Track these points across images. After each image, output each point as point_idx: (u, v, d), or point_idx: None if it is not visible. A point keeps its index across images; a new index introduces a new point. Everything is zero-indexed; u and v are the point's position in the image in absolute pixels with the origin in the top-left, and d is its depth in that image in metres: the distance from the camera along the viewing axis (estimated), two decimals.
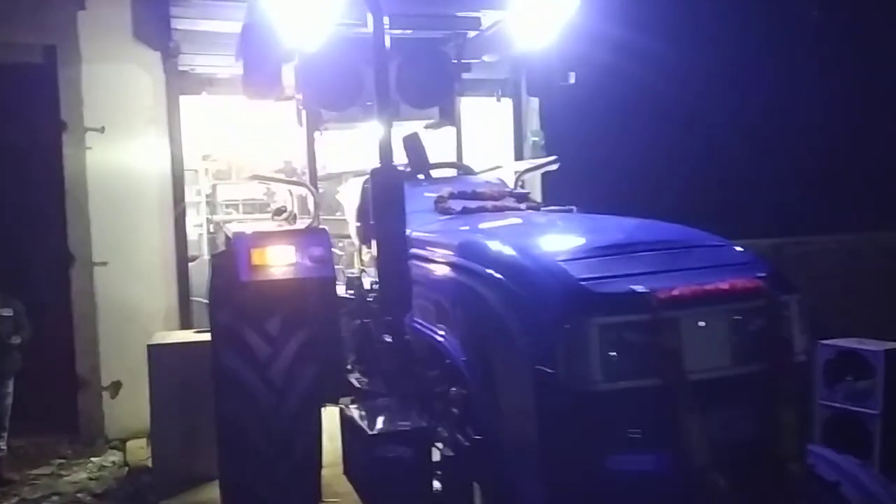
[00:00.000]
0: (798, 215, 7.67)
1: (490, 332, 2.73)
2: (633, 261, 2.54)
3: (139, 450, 6.52)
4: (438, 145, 6.36)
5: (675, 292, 2.33)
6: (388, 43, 3.10)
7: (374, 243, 3.05)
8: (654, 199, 6.76)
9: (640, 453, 2.35)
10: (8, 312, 6.01)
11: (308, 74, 4.99)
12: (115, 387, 6.88)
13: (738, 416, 2.44)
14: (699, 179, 8.07)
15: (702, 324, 2.37)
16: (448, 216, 3.69)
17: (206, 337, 5.99)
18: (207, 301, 5.48)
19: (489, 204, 3.78)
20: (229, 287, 4.38)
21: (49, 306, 6.71)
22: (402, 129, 5.92)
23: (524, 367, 2.47)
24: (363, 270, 4.91)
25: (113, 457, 6.59)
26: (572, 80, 4.85)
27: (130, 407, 6.67)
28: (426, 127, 5.76)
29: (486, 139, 7.24)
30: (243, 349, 4.22)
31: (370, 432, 2.95)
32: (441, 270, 3.13)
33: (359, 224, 4.60)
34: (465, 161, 5.58)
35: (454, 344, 2.98)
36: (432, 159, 6.08)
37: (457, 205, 3.75)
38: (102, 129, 6.67)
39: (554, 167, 4.84)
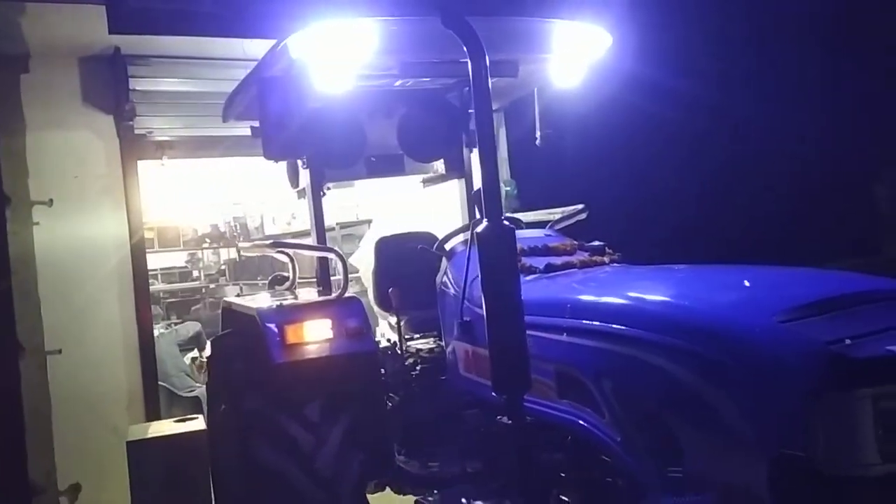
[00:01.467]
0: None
1: (677, 410, 2.38)
2: (853, 318, 2.24)
3: None
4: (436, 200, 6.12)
5: None
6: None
7: (484, 310, 2.68)
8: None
9: None
10: None
11: (310, 130, 4.63)
12: (74, 490, 6.06)
13: None
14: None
15: None
16: (533, 275, 3.36)
17: (193, 427, 5.38)
18: (207, 389, 4.96)
19: (574, 259, 3.47)
20: (256, 370, 3.88)
21: None
22: (404, 183, 5.68)
23: (752, 451, 2.13)
24: (390, 340, 4.52)
25: None
26: (538, 142, 4.72)
27: None
28: (424, 181, 5.47)
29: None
30: (282, 440, 3.72)
31: None
32: (562, 338, 2.79)
33: (391, 289, 4.23)
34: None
35: (595, 423, 2.63)
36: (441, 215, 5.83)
37: (537, 262, 3.42)
38: (51, 203, 5.98)
39: (583, 216, 4.61)
